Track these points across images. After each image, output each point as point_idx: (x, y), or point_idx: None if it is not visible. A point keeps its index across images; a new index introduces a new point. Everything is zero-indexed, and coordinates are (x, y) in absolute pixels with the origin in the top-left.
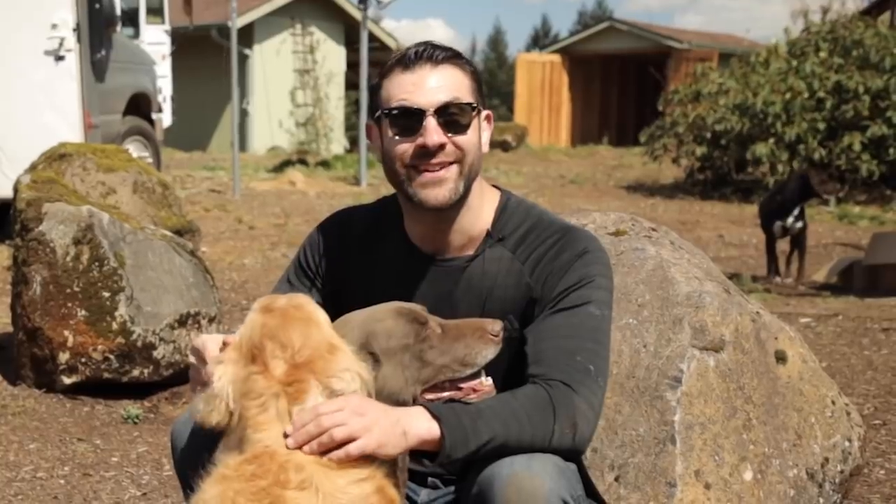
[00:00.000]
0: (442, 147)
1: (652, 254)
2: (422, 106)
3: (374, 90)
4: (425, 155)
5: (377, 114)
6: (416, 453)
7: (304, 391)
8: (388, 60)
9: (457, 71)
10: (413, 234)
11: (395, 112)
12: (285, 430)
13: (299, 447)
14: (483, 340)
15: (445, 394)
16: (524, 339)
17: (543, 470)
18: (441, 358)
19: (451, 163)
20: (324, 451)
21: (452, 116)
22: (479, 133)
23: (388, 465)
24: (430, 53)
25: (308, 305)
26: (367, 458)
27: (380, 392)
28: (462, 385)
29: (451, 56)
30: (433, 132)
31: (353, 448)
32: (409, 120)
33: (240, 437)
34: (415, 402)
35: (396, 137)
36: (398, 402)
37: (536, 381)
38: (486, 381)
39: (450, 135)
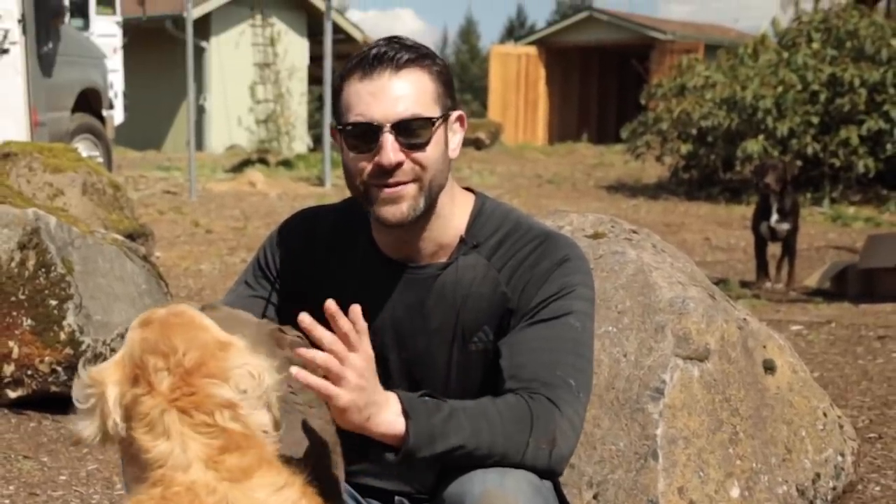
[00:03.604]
0: (399, 165)
1: (632, 257)
2: (378, 121)
3: (336, 93)
4: (383, 174)
5: (338, 122)
6: (381, 446)
7: (199, 403)
8: (351, 56)
9: (421, 75)
10: (381, 242)
11: (349, 128)
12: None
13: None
14: None
15: None
16: (498, 351)
17: (517, 488)
18: None
19: (409, 181)
20: (306, 368)
21: (411, 132)
22: (444, 142)
23: (308, 469)
24: (392, 56)
25: (189, 311)
26: (282, 461)
27: None
28: None
29: (415, 58)
30: (389, 150)
31: (329, 389)
32: (366, 135)
33: (135, 457)
34: None
35: (352, 154)
36: None
37: (519, 393)
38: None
39: (409, 150)
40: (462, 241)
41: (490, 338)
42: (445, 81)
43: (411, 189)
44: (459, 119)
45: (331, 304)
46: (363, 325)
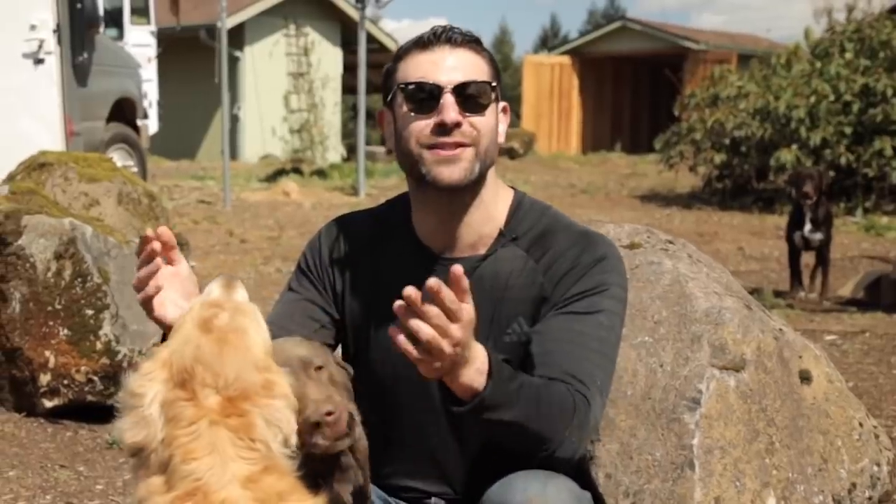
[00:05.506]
0: (458, 125)
1: (668, 268)
2: (440, 83)
3: (389, 73)
4: (441, 133)
5: (391, 94)
6: (448, 399)
7: (250, 425)
8: (402, 47)
9: (476, 56)
10: (422, 230)
11: (411, 87)
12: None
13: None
14: None
15: None
16: (530, 340)
17: (558, 497)
18: None
19: (466, 144)
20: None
21: (470, 95)
22: (497, 119)
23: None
24: (449, 35)
25: (250, 330)
26: (310, 483)
27: None
28: None
29: (469, 40)
30: (450, 109)
31: (441, 344)
32: (426, 96)
33: (164, 463)
34: None
35: (412, 114)
36: None
37: (566, 384)
38: None
39: (467, 114)
40: (501, 233)
41: (524, 329)
42: (495, 67)
43: (468, 153)
44: (504, 109)
45: (411, 291)
46: (465, 284)
